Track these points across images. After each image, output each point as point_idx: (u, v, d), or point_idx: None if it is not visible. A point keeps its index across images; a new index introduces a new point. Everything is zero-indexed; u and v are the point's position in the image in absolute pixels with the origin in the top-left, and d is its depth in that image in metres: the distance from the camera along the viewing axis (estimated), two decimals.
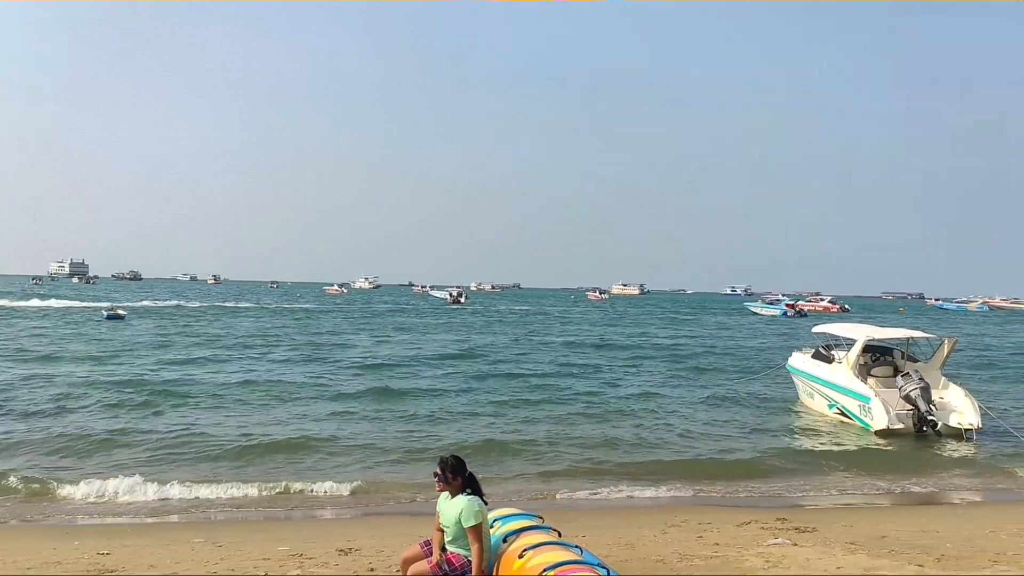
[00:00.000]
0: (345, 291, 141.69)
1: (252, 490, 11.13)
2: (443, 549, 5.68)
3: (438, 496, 5.84)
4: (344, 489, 11.27)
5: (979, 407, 15.57)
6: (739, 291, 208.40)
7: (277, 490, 11.19)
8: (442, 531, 5.71)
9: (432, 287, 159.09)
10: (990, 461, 13.65)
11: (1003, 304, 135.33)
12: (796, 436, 16.28)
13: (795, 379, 19.98)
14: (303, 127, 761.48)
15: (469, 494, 5.58)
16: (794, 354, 20.64)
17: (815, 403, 18.49)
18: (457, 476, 5.65)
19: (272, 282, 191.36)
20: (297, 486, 11.38)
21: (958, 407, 15.62)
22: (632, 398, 20.33)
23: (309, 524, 9.85)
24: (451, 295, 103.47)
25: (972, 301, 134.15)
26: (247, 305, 77.57)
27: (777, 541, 8.51)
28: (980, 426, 15.22)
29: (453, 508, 5.57)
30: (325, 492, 11.21)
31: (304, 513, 10.49)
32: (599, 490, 11.53)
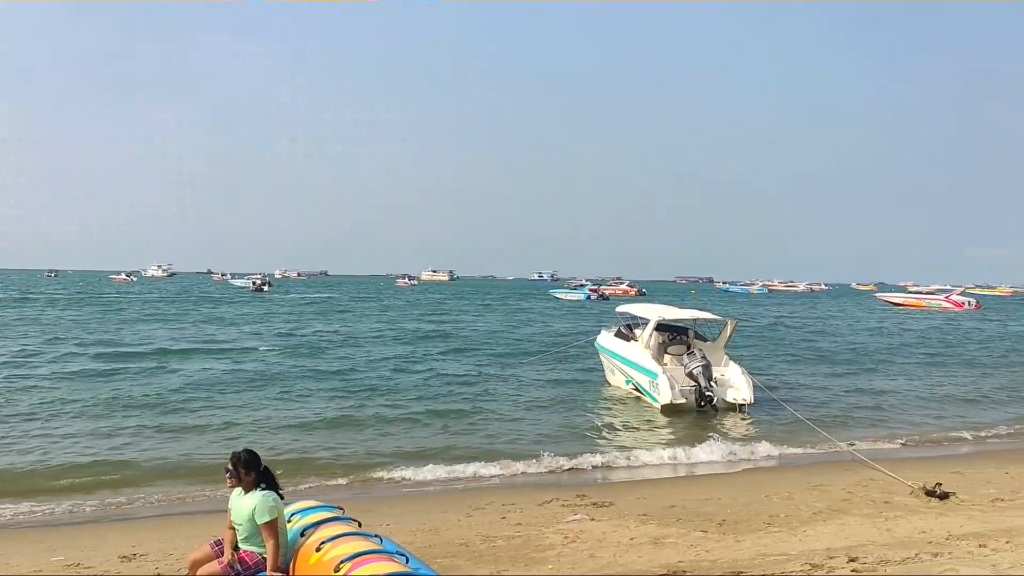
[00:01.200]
0: (135, 280, 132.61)
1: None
2: (236, 548, 5.40)
3: (230, 493, 5.55)
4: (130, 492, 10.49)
5: (752, 383, 16.87)
6: (546, 277, 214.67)
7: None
8: (234, 529, 5.43)
9: (233, 275, 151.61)
10: (762, 432, 14.85)
11: (780, 287, 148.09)
12: (597, 412, 16.99)
13: (601, 357, 20.91)
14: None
15: (264, 489, 5.34)
16: (601, 332, 21.58)
17: (616, 379, 19.48)
18: (250, 471, 5.38)
19: (50, 271, 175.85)
20: None
21: (735, 383, 16.88)
22: (448, 385, 20.29)
23: (90, 530, 9.06)
24: (254, 283, 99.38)
25: (754, 284, 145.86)
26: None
27: (576, 517, 8.81)
28: (752, 401, 16.51)
29: (246, 505, 5.30)
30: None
31: (84, 518, 9.66)
32: (407, 478, 11.45)
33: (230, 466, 5.40)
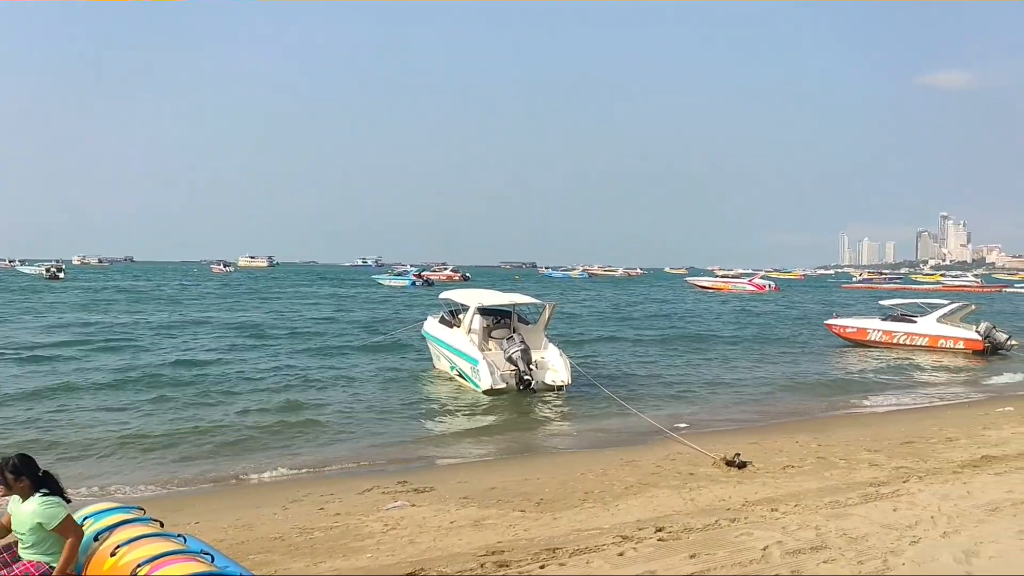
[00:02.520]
0: None
1: None
2: (17, 559, 4.93)
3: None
4: None
5: (570, 365, 17.42)
6: (370, 262, 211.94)
7: None
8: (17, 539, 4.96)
9: (22, 261, 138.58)
10: (579, 412, 15.38)
11: (599, 271, 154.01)
12: (422, 399, 16.98)
13: (428, 343, 20.86)
14: None
15: (45, 494, 4.89)
16: (428, 319, 21.52)
17: (441, 365, 19.52)
18: (21, 477, 4.89)
19: None
20: None
21: (554, 366, 17.37)
22: (263, 378, 19.41)
23: None
24: (47, 270, 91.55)
25: (574, 269, 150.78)
26: None
27: (397, 504, 8.74)
28: (570, 382, 17.06)
29: (26, 512, 4.84)
30: None
31: None
32: (221, 473, 10.95)
33: None
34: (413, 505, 8.70)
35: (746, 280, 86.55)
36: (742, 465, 10.23)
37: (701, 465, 10.48)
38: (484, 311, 18.76)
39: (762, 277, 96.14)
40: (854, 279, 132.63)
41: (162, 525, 5.18)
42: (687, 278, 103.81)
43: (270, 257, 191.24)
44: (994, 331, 26.48)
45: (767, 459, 10.82)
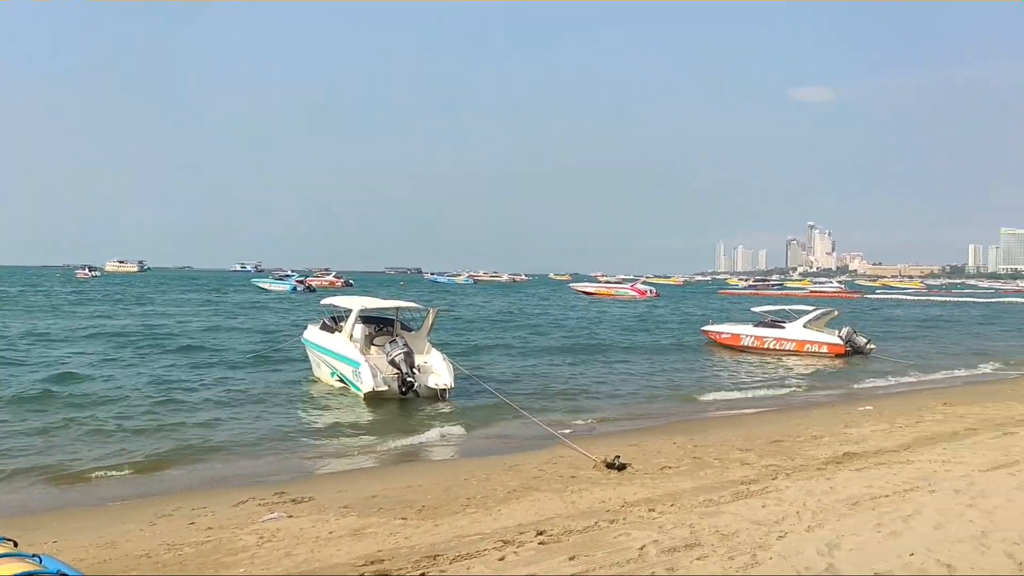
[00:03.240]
0: None
1: None
2: None
3: None
4: None
5: (452, 368, 17.39)
6: (249, 268, 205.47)
7: None
8: None
9: None
10: (463, 417, 15.35)
11: (485, 277, 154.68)
12: (302, 407, 16.56)
13: (308, 351, 20.37)
14: None
15: None
16: (308, 326, 21.04)
17: (322, 372, 19.09)
18: None
19: None
20: None
21: (437, 370, 17.30)
22: (140, 387, 18.41)
23: None
24: None
25: (460, 275, 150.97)
26: None
27: (273, 516, 8.47)
28: (453, 386, 17.03)
29: None
30: None
31: None
32: (80, 489, 10.33)
33: None
34: (290, 516, 8.44)
35: (628, 286, 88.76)
36: (622, 467, 10.43)
37: (583, 468, 10.62)
38: (366, 317, 18.52)
39: (643, 283, 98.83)
40: (740, 286, 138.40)
41: (16, 544, 4.82)
42: (571, 284, 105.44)
43: (141, 262, 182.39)
44: (854, 335, 28.10)
45: (646, 460, 11.06)
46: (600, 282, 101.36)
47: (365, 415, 15.58)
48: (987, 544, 6.62)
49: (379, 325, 18.87)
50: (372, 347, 18.04)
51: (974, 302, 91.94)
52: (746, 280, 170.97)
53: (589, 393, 19.27)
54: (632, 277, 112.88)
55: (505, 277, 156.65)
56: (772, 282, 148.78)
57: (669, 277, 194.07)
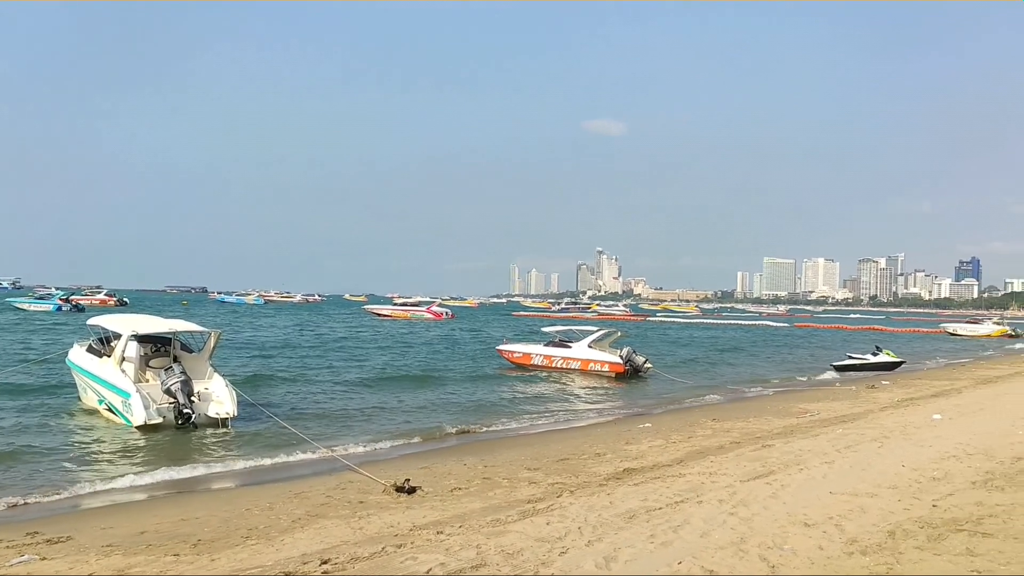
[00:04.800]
0: None
1: None
2: None
3: None
4: None
5: (236, 396, 16.58)
6: (6, 284, 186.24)
7: None
8: None
9: None
10: (246, 445, 14.69)
11: (276, 297, 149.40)
12: (65, 437, 15.08)
13: (73, 375, 18.66)
14: None
15: None
16: (74, 347, 19.29)
17: (89, 399, 17.53)
18: None
19: None
20: None
21: (218, 397, 16.43)
22: None
23: None
24: None
25: (250, 294, 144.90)
26: None
27: (23, 559, 7.65)
28: (235, 415, 16.24)
29: None
30: None
31: None
32: None
33: None
34: (43, 559, 7.65)
35: (424, 308, 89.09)
36: (412, 490, 10.36)
37: (372, 492, 10.45)
38: (140, 338, 17.22)
39: (439, 305, 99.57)
40: (553, 308, 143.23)
41: None
42: (366, 306, 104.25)
43: None
44: (634, 355, 29.76)
45: (436, 482, 11.06)
46: (396, 304, 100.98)
47: (136, 443, 14.49)
48: (745, 549, 7.16)
49: (155, 346, 17.64)
50: (148, 370, 16.85)
51: (741, 324, 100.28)
52: (558, 303, 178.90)
53: (378, 415, 19.04)
54: (428, 299, 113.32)
55: (298, 297, 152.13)
56: (582, 304, 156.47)
57: (465, 299, 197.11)
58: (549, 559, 7.08)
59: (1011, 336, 74.66)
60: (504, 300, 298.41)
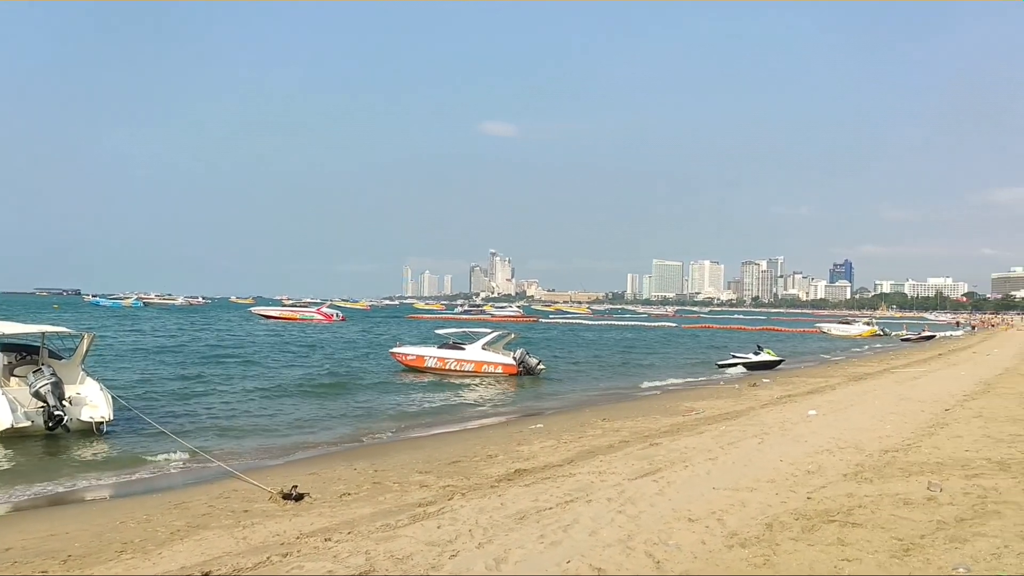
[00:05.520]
0: None
1: None
2: None
3: None
4: None
5: (111, 399, 15.84)
6: None
7: None
8: None
9: None
10: (122, 452, 14.04)
11: (156, 300, 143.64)
12: None
13: None
14: None
15: None
16: None
17: None
18: None
19: None
20: None
21: (92, 401, 15.65)
22: None
23: None
24: None
25: (128, 297, 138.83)
26: None
27: None
28: (111, 418, 15.52)
29: None
30: None
31: None
32: None
33: None
34: None
35: (314, 310, 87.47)
36: (299, 497, 10.10)
37: (257, 501, 10.13)
38: (4, 345, 16.22)
39: (329, 307, 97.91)
40: (456, 309, 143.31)
41: None
42: (253, 308, 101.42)
43: None
44: (527, 357, 30.02)
45: (325, 488, 10.84)
46: (285, 306, 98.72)
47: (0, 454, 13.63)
48: (632, 546, 7.29)
49: (21, 352, 16.64)
50: (13, 377, 15.87)
51: (631, 325, 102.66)
52: (461, 305, 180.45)
53: (264, 420, 18.57)
54: (318, 301, 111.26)
55: (180, 300, 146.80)
56: (475, 305, 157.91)
57: (357, 301, 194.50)
58: (439, 563, 7.03)
59: (880, 335, 79.08)
60: (397, 302, 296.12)
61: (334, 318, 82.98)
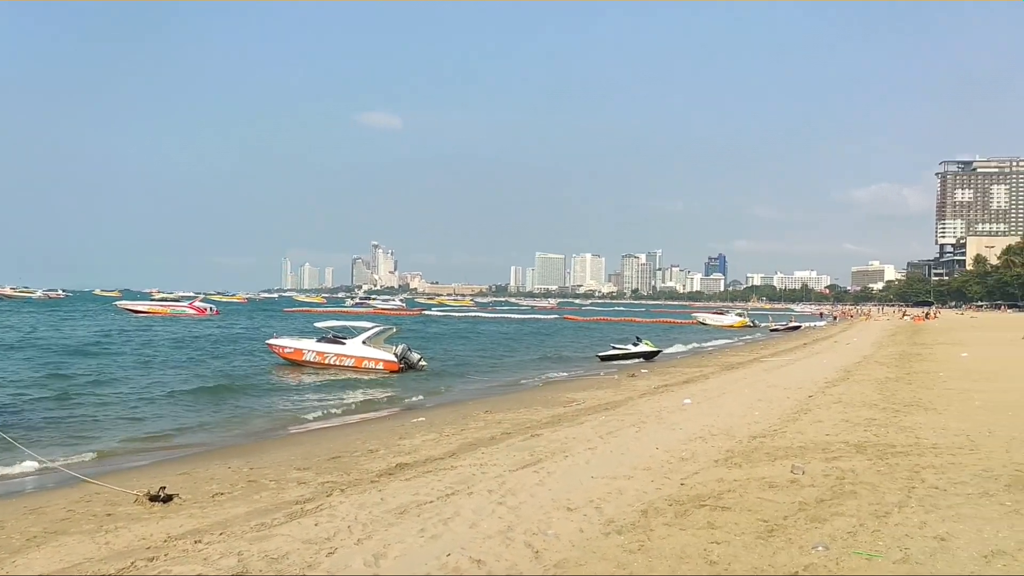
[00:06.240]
0: None
1: None
2: None
3: None
4: None
5: None
6: None
7: None
8: None
9: None
10: None
11: (11, 292, 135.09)
12: None
13: None
14: None
15: None
16: None
17: None
18: None
19: None
20: None
21: None
22: None
23: None
24: None
25: None
26: None
27: None
28: None
29: None
30: None
31: None
32: None
33: None
34: None
35: (187, 304, 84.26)
36: (167, 499, 9.67)
37: (122, 504, 9.63)
38: None
39: (203, 300, 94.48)
40: (347, 303, 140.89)
41: None
42: (119, 302, 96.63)
43: None
44: (409, 352, 29.82)
45: (197, 488, 10.43)
46: (155, 299, 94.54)
47: None
48: (512, 537, 7.34)
49: None
50: None
51: (514, 318, 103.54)
52: (353, 298, 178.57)
53: (133, 423, 17.61)
54: (191, 294, 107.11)
55: (39, 293, 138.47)
56: (367, 298, 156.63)
57: (233, 294, 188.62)
58: (316, 561, 6.87)
59: (750, 326, 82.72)
60: (276, 295, 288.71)
61: (207, 312, 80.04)
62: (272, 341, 31.98)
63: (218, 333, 52.45)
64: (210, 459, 13.20)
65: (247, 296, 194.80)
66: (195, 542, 7.73)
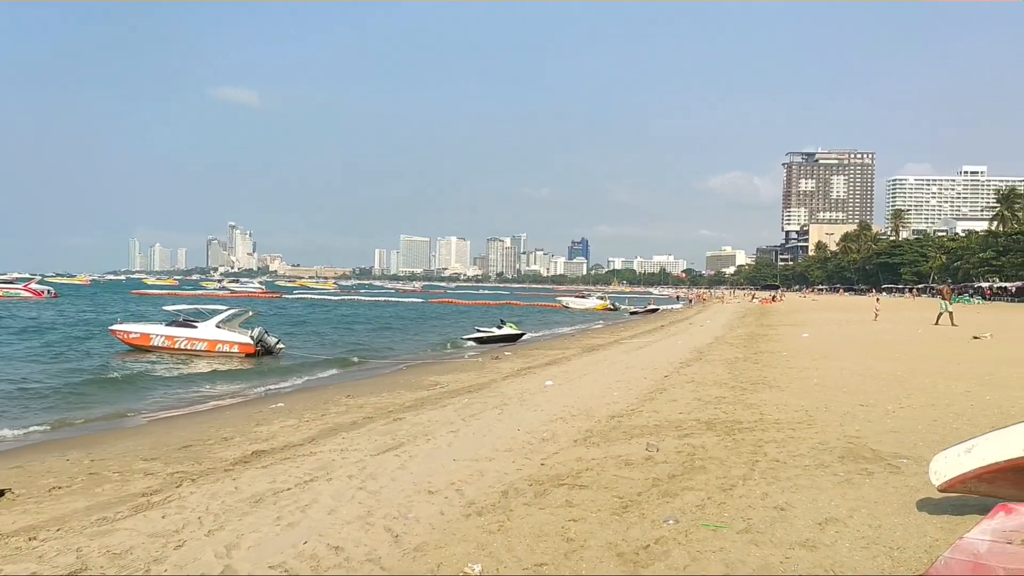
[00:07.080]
0: None
1: None
2: None
3: None
4: None
5: None
6: None
7: None
8: None
9: None
10: None
11: None
12: None
13: None
14: None
15: None
16: None
17: None
18: None
19: None
20: None
21: None
22: None
23: None
24: None
25: None
26: None
27: None
28: None
29: None
30: None
31: None
32: None
33: None
34: None
35: (21, 286, 78.58)
36: None
37: None
38: None
39: (40, 282, 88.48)
40: (213, 287, 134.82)
41: None
42: None
43: None
44: (266, 336, 28.93)
45: (31, 483, 9.75)
46: None
47: None
48: (371, 522, 7.23)
49: None
50: None
51: (378, 301, 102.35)
52: (220, 281, 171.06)
53: None
54: (27, 276, 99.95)
55: None
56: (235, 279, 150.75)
57: (75, 276, 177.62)
58: (163, 555, 6.54)
59: (611, 309, 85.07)
60: (123, 277, 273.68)
61: (44, 295, 75.01)
62: (116, 327, 30.24)
63: (56, 317, 49.18)
64: (46, 451, 12.36)
65: (91, 278, 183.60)
66: (29, 539, 7.21)
